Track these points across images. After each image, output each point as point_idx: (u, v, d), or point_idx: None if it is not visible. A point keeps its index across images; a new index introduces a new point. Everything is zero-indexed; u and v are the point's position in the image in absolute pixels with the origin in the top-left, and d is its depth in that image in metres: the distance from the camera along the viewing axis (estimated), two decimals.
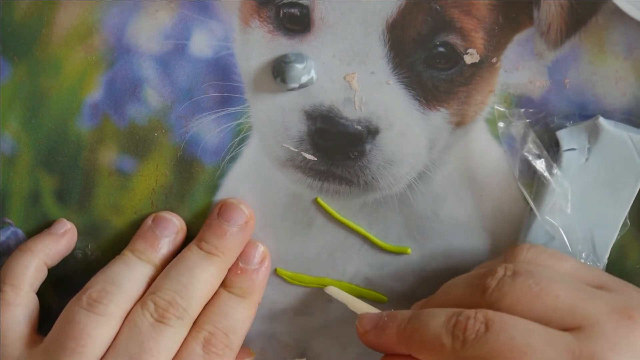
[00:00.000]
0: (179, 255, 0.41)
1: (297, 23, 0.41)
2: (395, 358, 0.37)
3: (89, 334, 0.38)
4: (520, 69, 0.40)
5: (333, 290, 0.42)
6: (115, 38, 0.42)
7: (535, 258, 0.37)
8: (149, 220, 0.43)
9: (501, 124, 0.41)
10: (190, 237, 0.43)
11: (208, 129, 0.42)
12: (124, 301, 0.39)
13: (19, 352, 0.40)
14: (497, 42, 0.40)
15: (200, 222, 0.43)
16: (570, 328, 0.33)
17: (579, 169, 0.40)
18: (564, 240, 0.40)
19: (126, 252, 0.42)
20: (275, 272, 0.44)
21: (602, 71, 0.40)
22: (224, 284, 0.42)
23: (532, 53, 0.40)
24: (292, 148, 0.42)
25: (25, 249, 0.42)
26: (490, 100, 0.41)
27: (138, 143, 0.43)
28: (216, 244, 0.41)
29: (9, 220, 0.44)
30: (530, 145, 0.41)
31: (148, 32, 0.42)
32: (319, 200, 0.43)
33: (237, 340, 0.41)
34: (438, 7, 0.39)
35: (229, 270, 0.42)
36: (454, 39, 0.40)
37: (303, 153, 0.42)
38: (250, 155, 0.43)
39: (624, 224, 0.40)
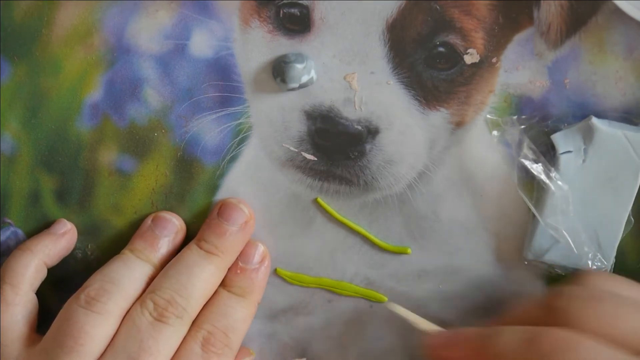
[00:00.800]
0: (179, 254, 0.41)
1: (297, 23, 0.41)
2: None
3: (87, 333, 0.38)
4: (520, 69, 0.40)
5: (395, 306, 0.41)
6: (115, 38, 0.42)
7: (604, 283, 0.37)
8: (148, 220, 0.43)
9: (495, 132, 0.41)
10: (190, 237, 0.43)
11: (208, 129, 0.42)
12: (122, 300, 0.39)
13: (18, 351, 0.39)
14: (497, 42, 0.40)
15: (200, 222, 0.43)
16: None
17: (577, 170, 0.40)
18: (569, 243, 0.40)
19: (125, 252, 0.42)
20: (275, 272, 0.44)
21: (602, 71, 0.40)
22: (223, 284, 0.42)
23: (532, 53, 0.40)
24: (292, 148, 0.42)
25: (25, 249, 0.42)
26: (490, 100, 0.41)
27: (138, 143, 0.43)
28: (216, 243, 0.41)
29: (9, 220, 0.44)
30: (526, 151, 0.41)
31: (148, 32, 0.42)
32: (319, 200, 0.43)
33: (237, 340, 0.40)
34: (438, 7, 0.39)
35: (229, 269, 0.42)
36: (454, 39, 0.40)
37: (303, 153, 0.42)
38: (250, 155, 0.43)
39: (628, 221, 0.40)
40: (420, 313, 0.40)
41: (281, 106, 0.41)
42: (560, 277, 0.42)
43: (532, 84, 0.41)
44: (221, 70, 0.42)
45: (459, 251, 0.43)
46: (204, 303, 0.41)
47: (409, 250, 0.43)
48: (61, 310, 0.40)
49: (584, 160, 0.40)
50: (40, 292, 0.42)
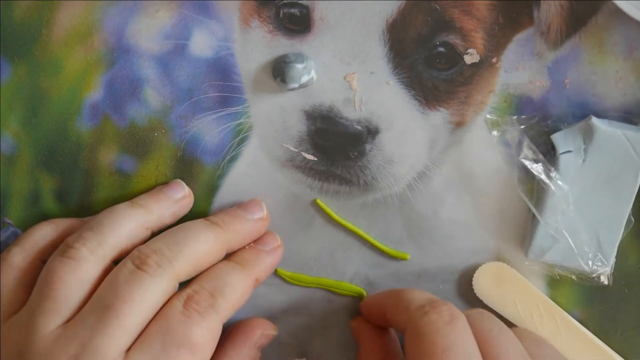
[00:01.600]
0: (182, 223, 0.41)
1: (297, 23, 0.41)
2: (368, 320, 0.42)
3: (59, 277, 0.37)
4: (520, 69, 0.40)
5: None
6: (115, 38, 0.42)
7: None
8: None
9: (495, 132, 0.41)
10: None
11: (208, 129, 0.42)
12: (98, 246, 0.38)
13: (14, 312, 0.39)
14: (497, 42, 0.40)
15: None
16: None
17: (578, 170, 0.40)
18: (569, 243, 0.40)
19: (121, 204, 0.41)
20: (275, 273, 0.44)
21: (602, 71, 0.40)
22: (229, 258, 0.41)
23: (532, 53, 0.40)
24: (292, 148, 0.42)
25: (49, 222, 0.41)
26: (490, 100, 0.41)
27: (138, 143, 0.43)
28: (224, 219, 0.41)
29: (9, 221, 0.44)
30: (525, 151, 0.41)
31: (148, 32, 0.42)
32: (319, 202, 0.43)
33: (225, 304, 0.38)
34: (438, 7, 0.39)
35: (240, 249, 0.41)
36: (454, 39, 0.40)
37: (303, 153, 0.42)
38: (250, 155, 0.43)
39: (628, 221, 0.40)
40: None
41: (281, 106, 0.41)
42: (561, 277, 0.42)
43: (532, 84, 0.41)
44: (221, 70, 0.42)
45: (459, 251, 0.43)
46: (198, 269, 0.39)
47: (408, 257, 0.43)
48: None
49: (584, 160, 0.40)
50: None
